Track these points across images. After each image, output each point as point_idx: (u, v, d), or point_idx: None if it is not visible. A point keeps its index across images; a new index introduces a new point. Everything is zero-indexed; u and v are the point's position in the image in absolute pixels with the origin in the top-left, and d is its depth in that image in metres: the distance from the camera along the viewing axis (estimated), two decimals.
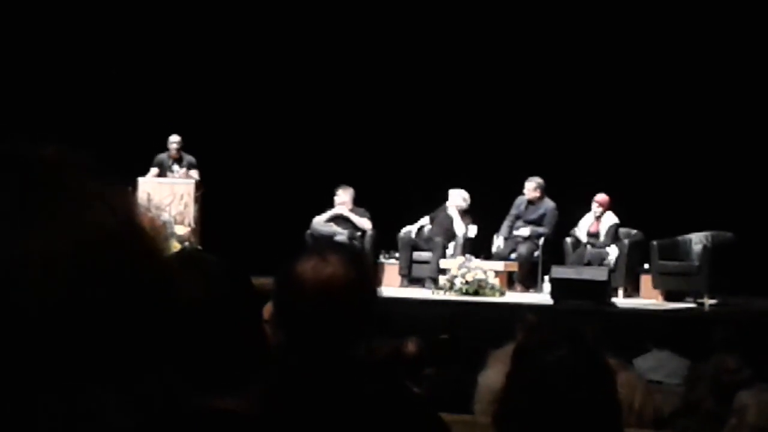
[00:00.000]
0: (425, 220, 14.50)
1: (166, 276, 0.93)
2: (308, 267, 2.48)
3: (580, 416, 2.39)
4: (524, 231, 14.05)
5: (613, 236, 13.52)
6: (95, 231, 0.89)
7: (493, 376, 5.32)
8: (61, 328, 0.86)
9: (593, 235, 13.64)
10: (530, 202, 14.21)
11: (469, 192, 14.33)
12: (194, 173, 14.56)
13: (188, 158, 14.67)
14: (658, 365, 8.17)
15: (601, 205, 13.63)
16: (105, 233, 0.89)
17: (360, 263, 2.57)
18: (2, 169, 0.92)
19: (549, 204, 14.13)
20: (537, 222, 14.10)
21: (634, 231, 13.66)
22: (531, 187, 14.16)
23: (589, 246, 13.60)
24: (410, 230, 14.40)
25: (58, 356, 0.86)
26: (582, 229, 13.71)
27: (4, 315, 0.86)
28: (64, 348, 0.86)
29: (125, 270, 0.89)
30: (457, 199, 14.32)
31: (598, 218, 13.65)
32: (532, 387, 2.41)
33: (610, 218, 13.61)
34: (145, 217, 0.96)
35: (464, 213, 14.32)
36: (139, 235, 0.92)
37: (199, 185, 14.30)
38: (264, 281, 2.79)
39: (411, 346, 6.85)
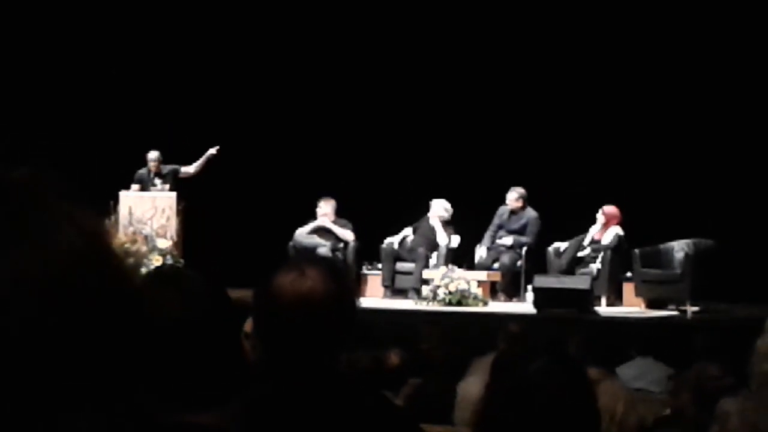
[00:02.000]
0: (408, 231, 14.51)
1: (135, 296, 0.94)
2: (287, 281, 2.48)
3: (559, 427, 2.39)
4: (507, 240, 14.08)
5: (615, 244, 13.52)
6: (64, 253, 0.89)
7: (472, 385, 5.32)
8: (31, 349, 0.86)
9: (596, 242, 13.69)
10: (513, 212, 14.24)
11: (451, 202, 14.34)
12: (185, 171, 14.57)
13: (169, 168, 14.65)
14: (641, 373, 8.18)
15: (604, 215, 13.68)
16: (74, 255, 0.89)
17: (339, 276, 2.57)
18: None
19: (531, 214, 14.16)
20: (519, 232, 14.13)
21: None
22: (513, 197, 14.19)
23: (589, 250, 13.64)
24: (393, 241, 14.41)
25: (29, 379, 0.86)
26: (588, 236, 13.74)
27: None
28: (34, 370, 0.87)
29: (94, 291, 0.89)
30: (440, 209, 14.34)
31: (604, 227, 13.68)
32: (511, 398, 2.41)
33: (615, 229, 13.63)
34: (116, 236, 0.96)
35: (446, 223, 14.34)
36: (108, 257, 0.93)
37: (180, 199, 14.27)
38: (247, 294, 2.79)
39: (394, 358, 6.85)
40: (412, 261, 14.15)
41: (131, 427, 0.91)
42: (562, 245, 13.81)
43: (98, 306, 0.89)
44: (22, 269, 0.87)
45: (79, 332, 0.88)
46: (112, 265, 0.93)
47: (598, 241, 13.65)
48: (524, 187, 14.16)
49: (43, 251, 0.88)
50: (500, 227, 14.26)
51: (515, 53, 15.35)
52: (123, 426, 0.90)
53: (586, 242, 13.71)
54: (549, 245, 13.88)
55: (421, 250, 14.12)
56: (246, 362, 2.29)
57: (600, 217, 13.70)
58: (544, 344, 2.60)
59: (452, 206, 14.33)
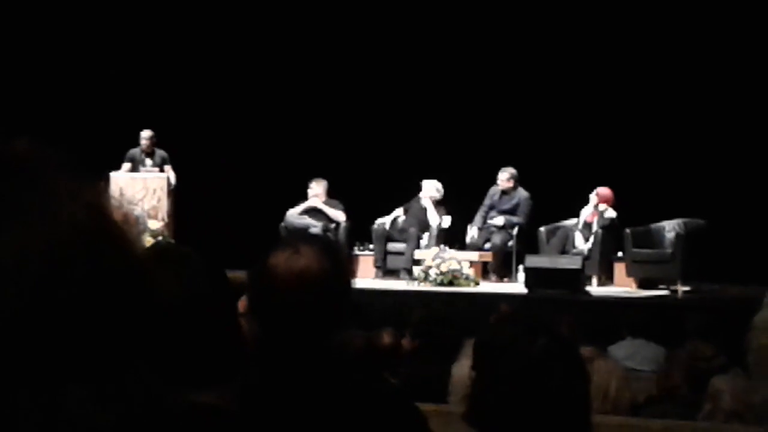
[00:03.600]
0: (399, 212, 14.51)
1: (140, 270, 0.93)
2: (281, 260, 2.48)
3: (551, 406, 2.39)
4: (498, 220, 14.08)
5: (607, 224, 13.50)
6: (67, 227, 0.88)
7: (466, 367, 5.33)
8: (36, 325, 0.86)
9: (588, 225, 13.66)
10: (504, 192, 14.24)
11: (442, 182, 14.35)
12: (168, 169, 14.52)
13: (160, 153, 14.63)
14: (632, 353, 8.20)
15: (598, 196, 13.65)
16: (77, 229, 0.89)
17: (333, 255, 2.56)
18: None
19: (522, 194, 14.15)
20: (511, 212, 14.13)
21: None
22: (504, 177, 14.19)
23: (579, 233, 13.65)
24: (384, 222, 14.41)
25: (34, 354, 0.86)
26: (580, 219, 13.73)
27: None
28: (40, 346, 0.86)
29: (99, 265, 0.89)
30: (431, 189, 14.34)
31: (596, 209, 13.66)
32: (503, 378, 2.41)
33: (609, 212, 13.61)
34: (119, 211, 0.96)
35: (438, 204, 14.34)
36: (112, 231, 0.92)
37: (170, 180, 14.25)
38: (239, 275, 2.78)
39: (386, 338, 6.86)
40: (404, 241, 14.16)
41: (138, 403, 0.90)
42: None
43: (103, 280, 0.89)
44: (24, 243, 0.87)
45: (83, 307, 0.88)
46: (116, 238, 0.92)
47: (590, 224, 13.64)
48: (515, 167, 14.16)
49: (45, 226, 0.88)
50: (491, 207, 14.26)
51: (506, 33, 15.33)
52: (130, 401, 0.90)
53: (580, 226, 13.70)
54: (540, 225, 13.89)
55: (413, 230, 14.13)
56: (243, 340, 2.28)
57: (593, 198, 13.69)
58: (531, 324, 2.59)
59: (444, 186, 14.34)
